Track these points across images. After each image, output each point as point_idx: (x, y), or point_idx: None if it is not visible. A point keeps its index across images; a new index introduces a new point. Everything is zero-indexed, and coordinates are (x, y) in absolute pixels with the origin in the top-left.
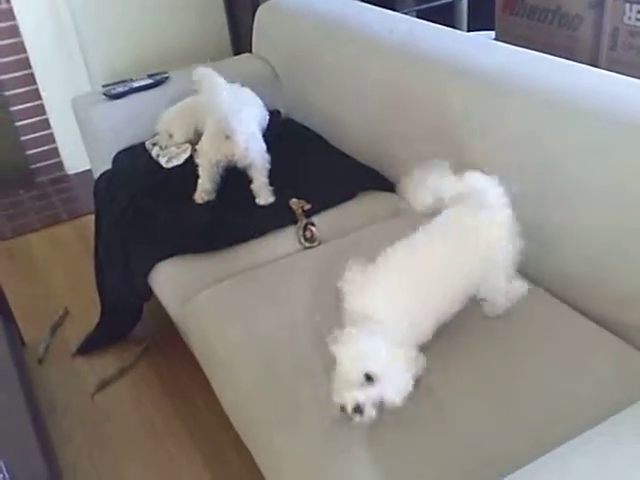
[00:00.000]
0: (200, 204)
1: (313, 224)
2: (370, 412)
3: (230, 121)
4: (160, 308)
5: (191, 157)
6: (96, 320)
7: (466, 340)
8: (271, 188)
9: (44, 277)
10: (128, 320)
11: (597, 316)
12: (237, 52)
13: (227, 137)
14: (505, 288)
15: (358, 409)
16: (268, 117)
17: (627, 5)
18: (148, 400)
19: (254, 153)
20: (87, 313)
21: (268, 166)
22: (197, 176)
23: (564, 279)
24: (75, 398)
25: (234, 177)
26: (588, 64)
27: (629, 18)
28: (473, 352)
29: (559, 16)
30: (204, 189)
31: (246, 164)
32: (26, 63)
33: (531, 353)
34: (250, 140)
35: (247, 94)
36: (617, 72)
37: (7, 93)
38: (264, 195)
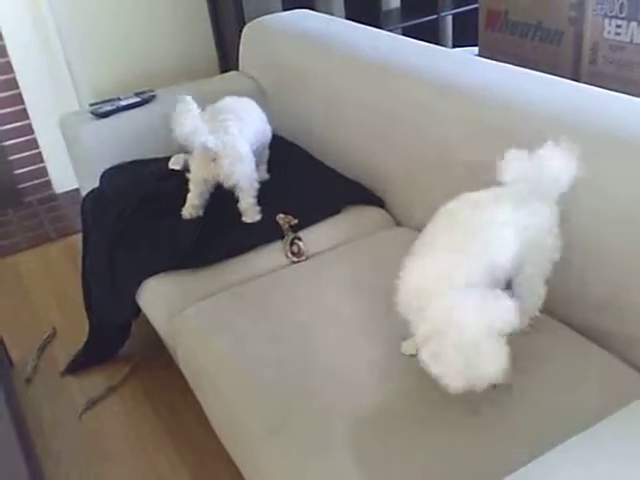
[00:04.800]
0: (187, 220)
1: (300, 239)
2: None
3: (213, 144)
4: (148, 326)
5: (183, 172)
6: (84, 339)
7: None
8: (258, 208)
9: (32, 296)
10: (116, 338)
11: (576, 324)
12: (224, 70)
13: (213, 160)
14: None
15: None
16: (270, 132)
17: (606, 20)
18: (137, 418)
19: (239, 175)
20: (75, 332)
21: (257, 186)
22: (186, 191)
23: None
24: (63, 417)
25: (222, 193)
26: (570, 78)
27: (608, 33)
28: None
29: (540, 31)
30: (192, 204)
31: (231, 185)
32: (13, 83)
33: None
34: (235, 163)
35: (245, 108)
36: (598, 86)
37: None
38: (250, 214)
